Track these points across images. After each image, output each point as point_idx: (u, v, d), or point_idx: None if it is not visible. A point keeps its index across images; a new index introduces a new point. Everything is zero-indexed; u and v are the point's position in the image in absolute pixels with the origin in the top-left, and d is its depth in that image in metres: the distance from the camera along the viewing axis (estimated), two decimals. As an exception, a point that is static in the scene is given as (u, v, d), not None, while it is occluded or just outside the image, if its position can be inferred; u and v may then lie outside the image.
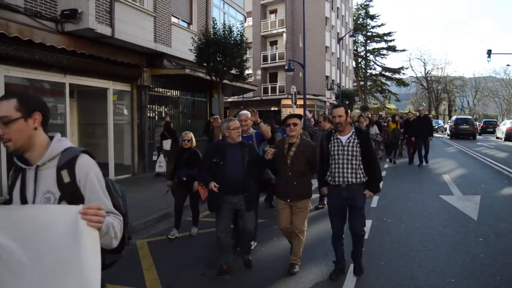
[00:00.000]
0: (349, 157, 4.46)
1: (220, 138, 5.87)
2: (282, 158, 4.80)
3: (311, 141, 5.01)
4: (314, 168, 4.93)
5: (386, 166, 14.97)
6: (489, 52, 33.73)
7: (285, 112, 36.66)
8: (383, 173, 12.80)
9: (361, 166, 4.50)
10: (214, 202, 4.82)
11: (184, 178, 6.40)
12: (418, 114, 15.54)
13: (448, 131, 34.82)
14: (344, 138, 4.52)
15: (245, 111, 5.99)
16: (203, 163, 4.99)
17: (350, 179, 4.47)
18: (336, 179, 4.52)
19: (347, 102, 39.38)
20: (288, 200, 4.79)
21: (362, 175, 4.50)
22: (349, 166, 4.47)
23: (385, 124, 17.18)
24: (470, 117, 39.65)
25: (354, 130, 4.56)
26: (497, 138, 31.87)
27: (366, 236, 6.22)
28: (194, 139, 6.72)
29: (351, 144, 4.48)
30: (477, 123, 39.78)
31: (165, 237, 6.46)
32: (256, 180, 5.32)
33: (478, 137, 33.94)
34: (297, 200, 4.79)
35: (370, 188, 4.57)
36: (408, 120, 15.63)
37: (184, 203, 6.64)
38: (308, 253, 5.49)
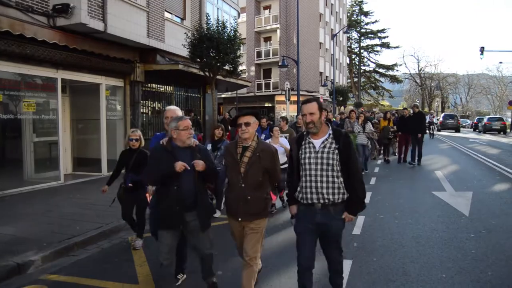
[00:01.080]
0: (324, 167, 3.44)
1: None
2: (233, 166, 3.83)
3: (271, 145, 4.05)
4: (276, 180, 4.06)
5: (379, 162, 15.16)
6: (482, 49, 33.88)
7: (279, 109, 36.69)
8: (376, 170, 12.84)
9: (341, 179, 3.48)
10: (170, 220, 3.91)
11: (130, 184, 5.59)
12: (412, 111, 14.93)
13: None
14: (318, 142, 3.52)
15: (173, 107, 5.00)
16: (149, 171, 3.99)
17: (327, 196, 3.43)
18: (309, 195, 3.49)
19: (340, 99, 39.46)
20: (239, 219, 3.81)
21: (343, 191, 3.48)
22: (325, 178, 3.44)
23: (377, 121, 16.42)
24: (456, 114, 49.97)
25: (331, 132, 3.54)
26: (479, 131, 41.01)
27: (358, 232, 6.28)
28: (142, 138, 5.96)
29: (326, 149, 3.47)
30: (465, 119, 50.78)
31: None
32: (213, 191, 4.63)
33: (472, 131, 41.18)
34: (250, 220, 3.80)
35: (350, 209, 3.53)
36: (403, 117, 15.08)
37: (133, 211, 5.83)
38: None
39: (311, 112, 3.49)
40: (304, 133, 3.64)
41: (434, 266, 4.86)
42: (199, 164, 3.84)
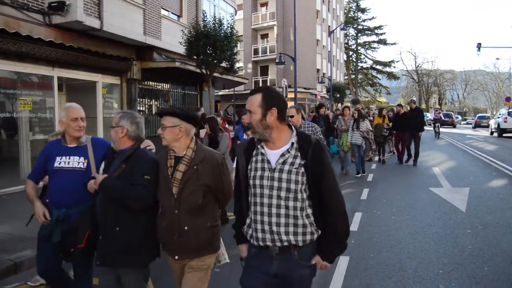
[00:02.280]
0: (283, 193, 2.28)
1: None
2: (164, 184, 2.81)
3: (215, 153, 2.97)
4: (226, 201, 3.03)
5: (374, 166, 14.04)
6: (479, 46, 33.97)
7: (289, 105, 36.62)
8: (373, 166, 12.80)
9: (309, 211, 2.35)
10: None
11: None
12: (409, 107, 13.93)
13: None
14: (274, 155, 2.34)
15: (73, 104, 3.70)
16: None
17: (285, 238, 2.30)
18: (260, 234, 2.35)
19: (338, 96, 39.47)
20: (176, 257, 2.82)
21: (311, 229, 2.34)
22: (283, 211, 2.30)
23: (371, 118, 15.39)
24: (451, 112, 54.88)
25: (295, 140, 2.34)
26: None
27: (355, 229, 6.30)
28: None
29: (287, 167, 2.30)
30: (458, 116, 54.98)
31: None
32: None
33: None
34: (189, 257, 2.82)
35: (324, 252, 2.40)
36: (398, 114, 14.13)
37: None
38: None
39: (251, 110, 2.34)
40: (255, 139, 2.44)
41: (431, 262, 4.88)
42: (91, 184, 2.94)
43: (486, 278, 4.39)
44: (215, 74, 14.36)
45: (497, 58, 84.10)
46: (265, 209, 2.32)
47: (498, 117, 28.27)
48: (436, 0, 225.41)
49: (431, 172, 11.73)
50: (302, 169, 2.29)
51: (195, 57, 13.27)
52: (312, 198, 2.35)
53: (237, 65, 16.07)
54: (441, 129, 28.22)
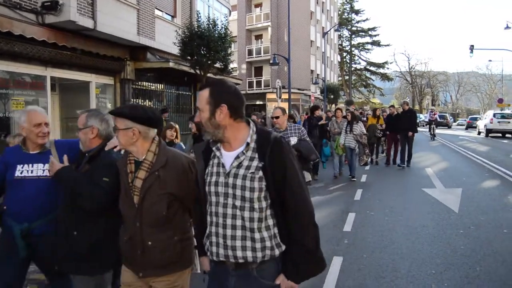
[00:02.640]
0: (238, 202, 1.99)
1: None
2: (124, 193, 2.49)
3: (183, 156, 2.62)
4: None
5: (367, 168, 12.94)
6: (472, 48, 34.18)
7: (270, 106, 36.69)
8: (366, 167, 12.78)
9: (271, 222, 2.03)
10: None
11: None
12: (401, 109, 13.61)
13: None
14: (229, 157, 2.06)
15: (35, 108, 3.34)
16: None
17: (240, 254, 2.01)
18: (214, 249, 2.07)
19: (331, 97, 39.56)
20: (140, 275, 2.45)
21: (271, 243, 2.02)
22: (239, 222, 2.00)
23: (365, 119, 15.24)
24: (446, 114, 55.67)
25: (251, 139, 2.04)
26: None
27: (348, 229, 6.32)
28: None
29: (242, 171, 2.00)
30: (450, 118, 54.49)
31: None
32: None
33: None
34: (155, 275, 2.46)
35: (290, 270, 2.06)
36: (390, 115, 13.91)
37: None
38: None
39: (198, 107, 2.07)
40: (210, 140, 2.13)
41: (424, 262, 4.90)
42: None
43: (478, 278, 4.42)
44: (209, 75, 14.35)
45: (490, 60, 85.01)
46: (220, 220, 2.03)
47: (485, 118, 30.42)
48: (429, 2, 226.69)
49: (424, 173, 11.79)
50: (260, 173, 1.97)
51: (189, 57, 13.26)
52: (274, 207, 2.02)
53: (231, 65, 16.09)
54: (436, 131, 27.03)
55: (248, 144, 2.03)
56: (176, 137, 6.23)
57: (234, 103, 2.04)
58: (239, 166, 2.01)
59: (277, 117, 5.80)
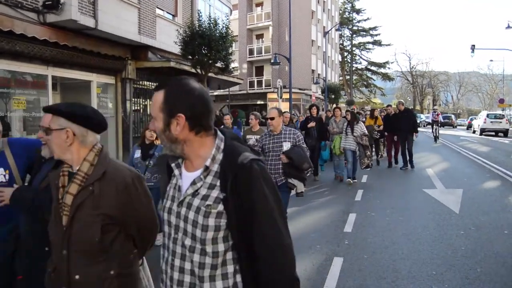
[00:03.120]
0: (187, 240, 1.53)
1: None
2: (54, 212, 2.02)
3: (126, 169, 2.10)
4: (145, 239, 2.16)
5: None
6: (473, 47, 34.19)
7: (271, 106, 36.65)
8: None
9: (228, 269, 1.52)
10: None
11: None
12: (398, 109, 13.16)
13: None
14: (188, 179, 1.59)
15: None
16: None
17: None
18: None
19: (332, 96, 39.54)
20: None
21: None
22: (188, 264, 1.53)
23: (363, 119, 14.31)
24: (451, 114, 56.45)
25: (220, 159, 1.56)
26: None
27: (349, 230, 6.32)
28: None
29: (197, 200, 1.53)
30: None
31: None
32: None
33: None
34: None
35: None
36: (388, 115, 13.47)
37: None
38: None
39: (152, 115, 1.61)
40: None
41: (425, 263, 4.90)
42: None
43: (478, 279, 4.42)
44: (210, 74, 14.35)
45: (491, 60, 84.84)
46: (169, 258, 1.59)
47: (479, 119, 33.26)
48: (430, 2, 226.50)
49: (425, 173, 11.78)
50: (220, 207, 1.49)
51: (190, 57, 13.25)
52: (238, 250, 1.52)
53: (232, 65, 16.07)
54: (440, 131, 25.95)
55: (207, 167, 1.54)
56: (157, 137, 5.44)
57: (196, 111, 1.54)
58: (194, 194, 1.53)
59: (272, 118, 5.34)
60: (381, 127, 13.64)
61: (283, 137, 5.31)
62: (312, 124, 10.76)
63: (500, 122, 30.38)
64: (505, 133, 30.23)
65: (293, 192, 5.34)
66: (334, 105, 16.87)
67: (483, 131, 30.76)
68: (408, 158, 12.66)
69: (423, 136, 25.27)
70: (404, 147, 12.66)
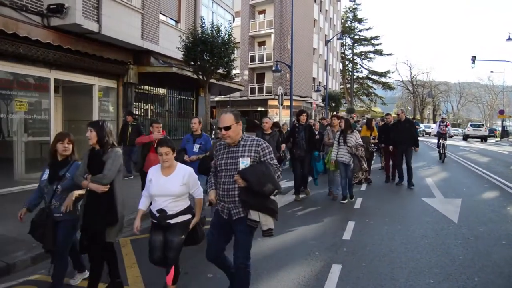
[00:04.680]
0: None
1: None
2: None
3: None
4: None
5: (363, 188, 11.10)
6: (474, 58, 34.38)
7: (272, 113, 36.76)
8: (362, 188, 12.43)
9: None
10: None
11: None
12: (398, 118, 11.69)
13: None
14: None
15: None
16: None
17: None
18: None
19: (333, 105, 39.64)
20: None
21: None
22: None
23: (359, 128, 13.22)
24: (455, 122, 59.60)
25: None
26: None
27: (348, 237, 6.34)
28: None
29: None
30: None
31: (148, 235, 6.42)
32: None
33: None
34: None
35: None
36: (387, 125, 12.16)
37: None
38: (289, 253, 5.58)
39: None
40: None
41: (422, 271, 4.92)
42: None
43: (476, 288, 4.44)
44: (212, 80, 14.40)
45: (492, 71, 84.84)
46: None
47: (466, 128, 42.93)
48: (432, 13, 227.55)
49: (424, 182, 11.80)
50: None
51: (192, 62, 13.31)
52: None
53: (234, 71, 16.13)
54: (435, 140, 25.11)
55: None
56: (73, 152, 4.40)
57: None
58: None
59: (227, 128, 3.68)
60: (375, 140, 12.29)
61: (240, 150, 3.76)
62: (282, 147, 9.56)
63: (480, 130, 40.36)
64: (485, 138, 39.74)
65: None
66: (335, 113, 16.35)
67: (467, 136, 40.12)
68: (406, 174, 11.09)
69: (426, 149, 25.16)
70: (401, 161, 11.23)
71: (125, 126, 11.55)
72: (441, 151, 17.69)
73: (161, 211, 4.05)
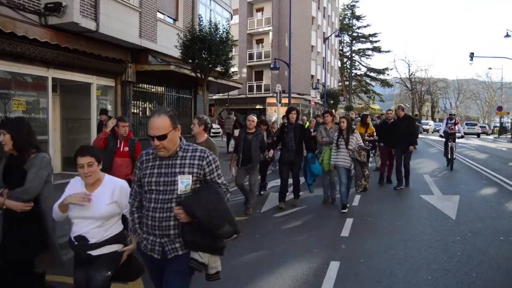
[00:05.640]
0: None
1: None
2: None
3: None
4: None
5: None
6: (472, 55, 34.33)
7: (270, 111, 36.78)
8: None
9: None
10: None
11: None
12: (396, 115, 10.69)
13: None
14: None
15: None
16: None
17: None
18: None
19: (331, 102, 39.67)
20: None
21: None
22: None
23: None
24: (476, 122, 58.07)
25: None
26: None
27: (346, 234, 6.36)
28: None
29: None
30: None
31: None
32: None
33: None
34: None
35: None
36: (386, 122, 11.27)
37: None
38: (288, 250, 5.59)
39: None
40: None
41: (421, 268, 4.94)
42: None
43: (474, 284, 4.46)
44: (210, 78, 14.41)
45: (490, 68, 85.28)
46: None
47: (461, 126, 43.11)
48: (430, 10, 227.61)
49: (423, 179, 11.82)
50: None
51: (190, 61, 13.31)
52: None
53: (232, 69, 16.14)
54: (433, 137, 23.95)
55: None
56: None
57: None
58: None
59: (162, 138, 2.64)
60: (374, 136, 11.66)
61: (179, 164, 2.72)
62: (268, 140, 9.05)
63: (474, 128, 46.06)
64: (478, 135, 44.82)
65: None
66: (325, 110, 15.15)
67: (464, 133, 40.07)
68: (404, 174, 10.56)
69: (428, 152, 25.18)
70: (400, 162, 10.51)
71: (100, 126, 10.93)
72: (449, 156, 14.24)
73: (81, 239, 3.04)
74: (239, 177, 7.94)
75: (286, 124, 8.52)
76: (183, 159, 2.71)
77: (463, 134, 16.10)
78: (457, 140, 14.99)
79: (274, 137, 9.41)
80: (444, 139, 14.86)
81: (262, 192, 9.85)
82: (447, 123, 14.69)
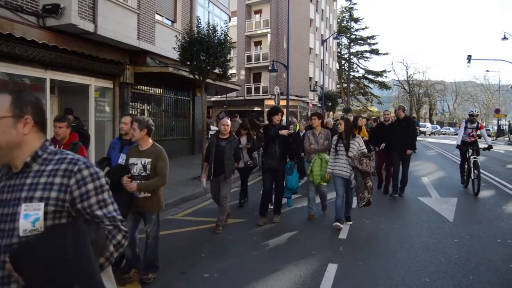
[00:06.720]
0: None
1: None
2: None
3: None
4: None
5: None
6: (469, 58, 34.43)
7: (268, 113, 36.65)
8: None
9: None
10: None
11: None
12: (396, 116, 9.76)
13: None
14: None
15: None
16: None
17: None
18: None
19: (329, 104, 39.68)
20: None
21: None
22: None
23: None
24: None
25: None
26: None
27: (344, 236, 6.36)
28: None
29: None
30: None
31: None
32: None
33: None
34: None
35: None
36: (382, 124, 10.40)
37: None
38: (286, 252, 5.59)
39: None
40: None
41: (418, 270, 4.94)
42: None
43: (471, 287, 4.46)
44: (208, 80, 14.37)
45: (487, 70, 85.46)
46: None
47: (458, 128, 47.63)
48: (428, 12, 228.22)
49: (420, 182, 11.83)
50: None
51: (188, 62, 13.28)
52: None
53: (230, 71, 16.12)
54: (431, 139, 22.92)
55: None
56: None
57: None
58: None
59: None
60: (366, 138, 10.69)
61: (28, 184, 1.62)
62: (245, 145, 8.49)
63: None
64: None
65: None
66: (313, 111, 14.00)
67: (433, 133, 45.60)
68: (400, 182, 9.56)
69: (417, 144, 25.13)
70: (398, 168, 9.50)
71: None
72: (473, 175, 9.95)
73: None
74: (213, 189, 6.93)
75: (269, 125, 7.28)
76: (37, 176, 1.62)
77: (490, 143, 10.62)
78: (481, 153, 10.45)
79: (254, 143, 8.89)
80: (461, 151, 10.81)
81: (242, 201, 8.71)
82: (465, 128, 10.43)
